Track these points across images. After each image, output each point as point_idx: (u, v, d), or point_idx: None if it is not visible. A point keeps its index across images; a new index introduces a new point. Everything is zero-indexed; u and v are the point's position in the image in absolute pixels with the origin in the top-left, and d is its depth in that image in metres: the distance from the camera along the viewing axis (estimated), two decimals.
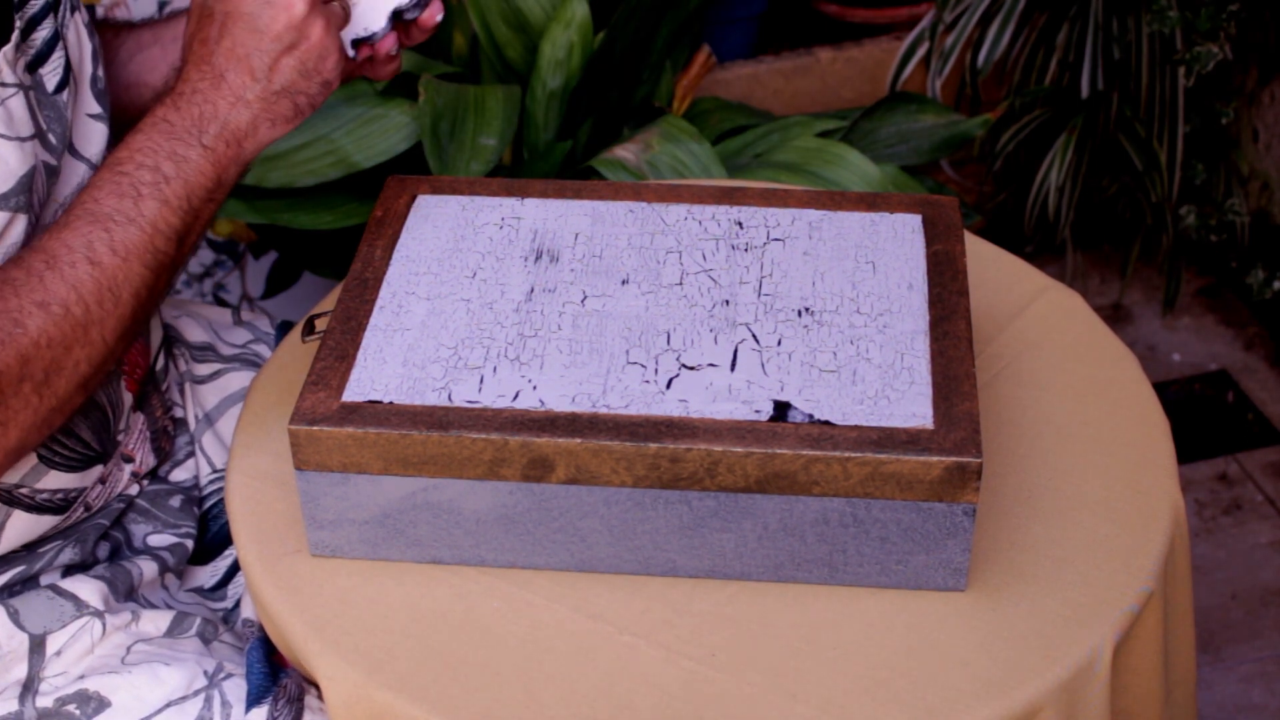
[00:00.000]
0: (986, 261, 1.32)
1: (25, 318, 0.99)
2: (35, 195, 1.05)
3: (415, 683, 1.02)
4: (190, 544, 1.24)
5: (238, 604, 1.24)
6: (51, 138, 1.08)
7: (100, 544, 1.20)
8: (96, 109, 1.14)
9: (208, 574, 1.26)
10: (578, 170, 1.83)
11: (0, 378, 0.98)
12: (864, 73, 2.31)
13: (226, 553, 1.26)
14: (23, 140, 1.04)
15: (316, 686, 1.12)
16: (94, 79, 1.14)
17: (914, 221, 1.20)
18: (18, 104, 1.04)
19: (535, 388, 1.06)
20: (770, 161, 1.83)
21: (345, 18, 1.14)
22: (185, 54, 1.11)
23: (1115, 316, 2.40)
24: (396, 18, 1.16)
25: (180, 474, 1.28)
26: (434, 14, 1.17)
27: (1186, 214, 2.32)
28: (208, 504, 1.28)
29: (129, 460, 1.21)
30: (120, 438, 1.18)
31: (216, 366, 1.34)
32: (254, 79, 1.08)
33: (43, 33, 1.07)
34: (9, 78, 1.03)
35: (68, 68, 1.10)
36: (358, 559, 1.10)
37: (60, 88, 1.09)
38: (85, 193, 1.04)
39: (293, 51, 1.10)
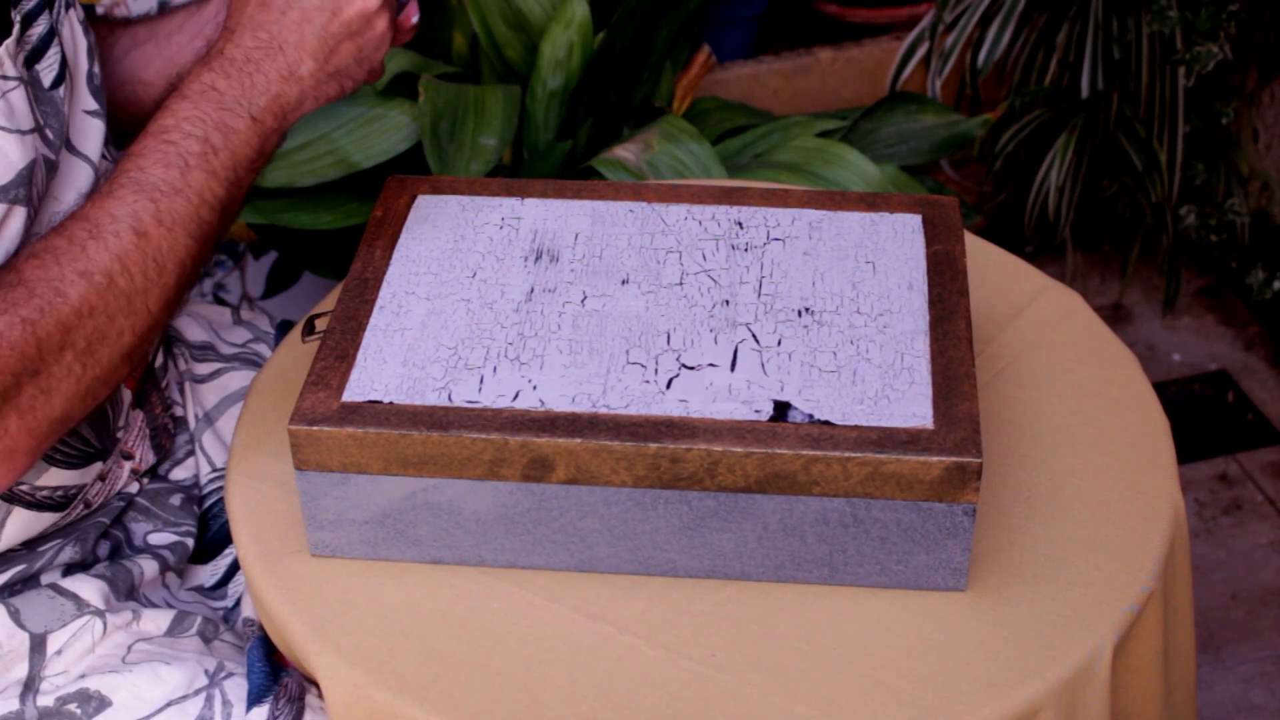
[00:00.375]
0: (986, 261, 1.32)
1: (67, 286, 0.98)
2: (35, 189, 1.05)
3: (415, 683, 1.02)
4: (190, 542, 1.24)
5: (238, 603, 1.24)
6: (49, 133, 1.08)
7: (100, 542, 1.20)
8: (93, 105, 1.14)
9: (208, 573, 1.26)
10: (578, 170, 1.83)
11: (41, 345, 0.98)
12: (864, 73, 2.31)
13: (227, 551, 1.26)
14: (24, 133, 1.04)
15: (317, 685, 1.12)
16: (90, 75, 1.14)
17: (914, 221, 1.20)
18: (19, 97, 1.04)
19: (535, 388, 1.06)
20: (770, 161, 1.83)
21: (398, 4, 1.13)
22: (236, 14, 1.09)
23: (1115, 316, 2.40)
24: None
25: (180, 473, 1.28)
26: (409, 15, 1.17)
27: (1186, 214, 2.32)
28: (208, 503, 1.28)
29: (128, 457, 1.21)
30: (120, 435, 1.18)
31: (216, 366, 1.34)
32: (313, 58, 1.08)
33: (38, 29, 1.07)
34: (10, 71, 1.03)
35: (63, 64, 1.10)
36: (358, 559, 1.10)
37: (56, 83, 1.09)
38: (130, 160, 1.03)
39: (355, 39, 1.09)
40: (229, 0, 1.11)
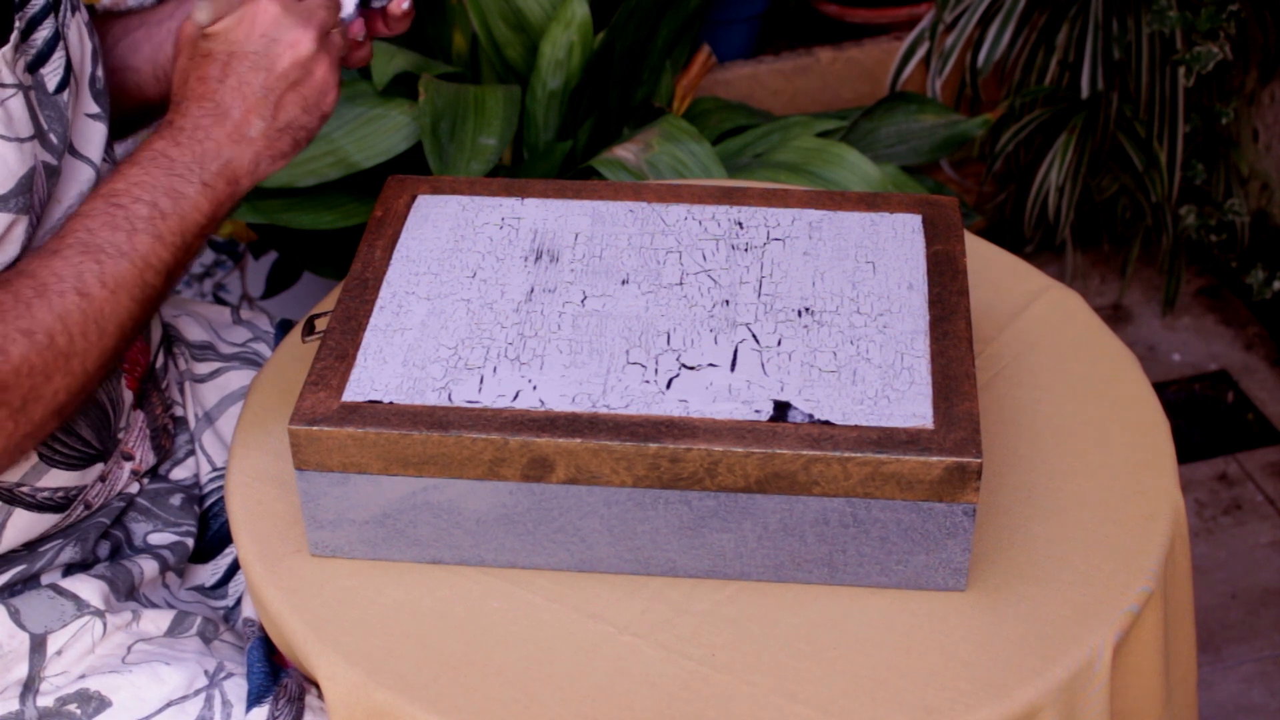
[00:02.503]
0: (986, 261, 1.32)
1: (9, 344, 0.99)
2: (36, 196, 1.06)
3: (415, 683, 1.02)
4: (190, 542, 1.24)
5: (239, 602, 1.24)
6: (52, 138, 1.08)
7: (101, 543, 1.20)
8: (95, 109, 1.14)
9: (208, 572, 1.26)
10: (578, 170, 1.83)
11: None
12: (864, 73, 2.31)
13: (227, 551, 1.26)
14: (22, 141, 1.04)
15: (317, 686, 1.12)
16: (93, 79, 1.14)
17: (914, 221, 1.20)
18: (17, 104, 1.04)
19: (535, 388, 1.06)
20: (770, 161, 1.83)
21: (345, 48, 1.14)
22: (180, 90, 1.10)
23: (1115, 316, 2.40)
24: (364, 5, 1.16)
25: (180, 472, 1.28)
26: (400, 2, 1.16)
27: (1186, 214, 2.32)
28: (208, 502, 1.28)
29: (129, 458, 1.21)
30: (120, 436, 1.18)
31: (216, 365, 1.34)
32: (259, 117, 1.08)
33: (43, 33, 1.07)
34: (8, 78, 1.03)
35: (68, 68, 1.10)
36: (358, 559, 1.10)
37: (61, 88, 1.09)
38: (78, 220, 1.04)
39: (297, 88, 1.10)
40: (173, 75, 1.11)
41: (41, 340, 1.00)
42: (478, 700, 1.01)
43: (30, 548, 1.15)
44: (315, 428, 1.04)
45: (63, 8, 1.10)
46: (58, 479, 1.13)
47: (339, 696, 1.03)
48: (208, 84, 1.09)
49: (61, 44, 1.09)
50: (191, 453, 1.29)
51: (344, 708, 1.03)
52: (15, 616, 1.13)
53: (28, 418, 1.01)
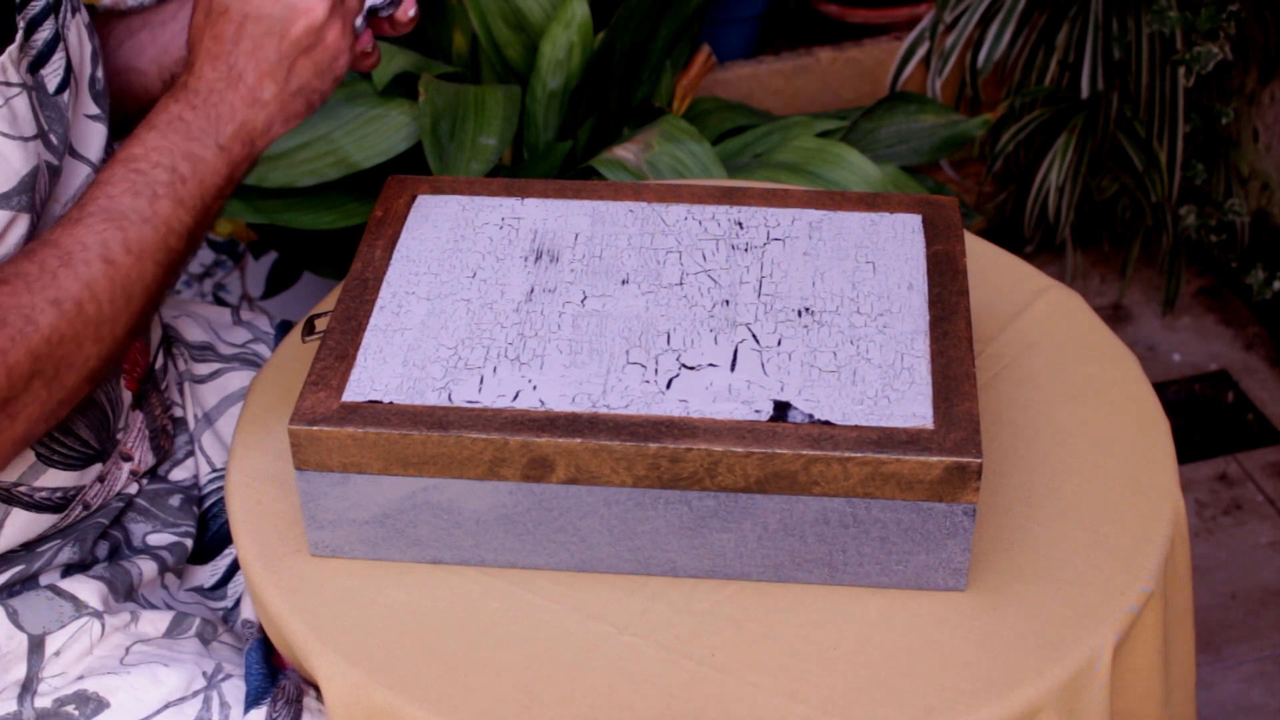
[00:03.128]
0: (986, 261, 1.32)
1: (38, 314, 0.99)
2: (38, 195, 1.06)
3: (415, 683, 1.02)
4: (189, 543, 1.24)
5: (238, 603, 1.24)
6: (53, 138, 1.08)
7: (99, 543, 1.20)
8: (95, 110, 1.14)
9: (207, 573, 1.26)
10: (578, 170, 1.83)
11: (11, 372, 0.98)
12: (864, 73, 2.31)
13: (226, 552, 1.26)
14: (26, 140, 1.04)
15: (316, 688, 1.12)
16: (92, 80, 1.15)
17: (914, 221, 1.20)
18: (21, 104, 1.04)
19: (535, 388, 1.06)
20: (770, 161, 1.83)
21: (359, 7, 1.14)
22: (195, 48, 1.10)
23: (1115, 316, 2.40)
24: (372, 15, 1.16)
25: (179, 473, 1.28)
26: (407, 8, 1.17)
27: (1186, 214, 2.32)
28: (207, 503, 1.28)
29: (127, 459, 1.21)
30: (119, 436, 1.18)
31: (216, 366, 1.34)
32: (273, 81, 1.09)
33: (44, 34, 1.08)
34: (13, 78, 1.03)
35: (68, 69, 1.10)
36: (358, 559, 1.10)
37: (61, 88, 1.09)
38: (99, 189, 1.04)
39: (310, 53, 1.10)
40: (186, 35, 1.11)
41: (70, 309, 1.00)
42: (478, 700, 1.01)
43: (29, 548, 1.15)
44: (315, 428, 1.04)
45: (63, 9, 1.10)
46: (56, 479, 1.13)
47: (339, 696, 1.03)
48: (222, 44, 1.08)
49: (61, 45, 1.09)
50: (191, 453, 1.29)
51: (344, 708, 1.03)
52: (14, 617, 1.13)
53: (61, 384, 1.02)
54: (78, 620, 1.14)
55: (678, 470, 1.02)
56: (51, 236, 1.02)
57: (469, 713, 1.00)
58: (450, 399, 1.05)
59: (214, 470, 1.29)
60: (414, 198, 1.23)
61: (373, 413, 1.04)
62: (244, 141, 1.08)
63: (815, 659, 1.03)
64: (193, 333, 1.36)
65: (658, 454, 1.02)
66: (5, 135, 1.02)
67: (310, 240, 1.91)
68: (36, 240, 1.02)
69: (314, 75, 1.11)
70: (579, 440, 1.02)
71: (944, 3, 2.23)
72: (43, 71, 1.08)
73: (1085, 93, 2.24)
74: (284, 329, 1.41)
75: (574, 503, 1.05)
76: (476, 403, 1.05)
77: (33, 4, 1.07)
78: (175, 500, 1.25)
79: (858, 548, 1.05)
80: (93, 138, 1.14)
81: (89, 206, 1.03)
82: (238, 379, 1.34)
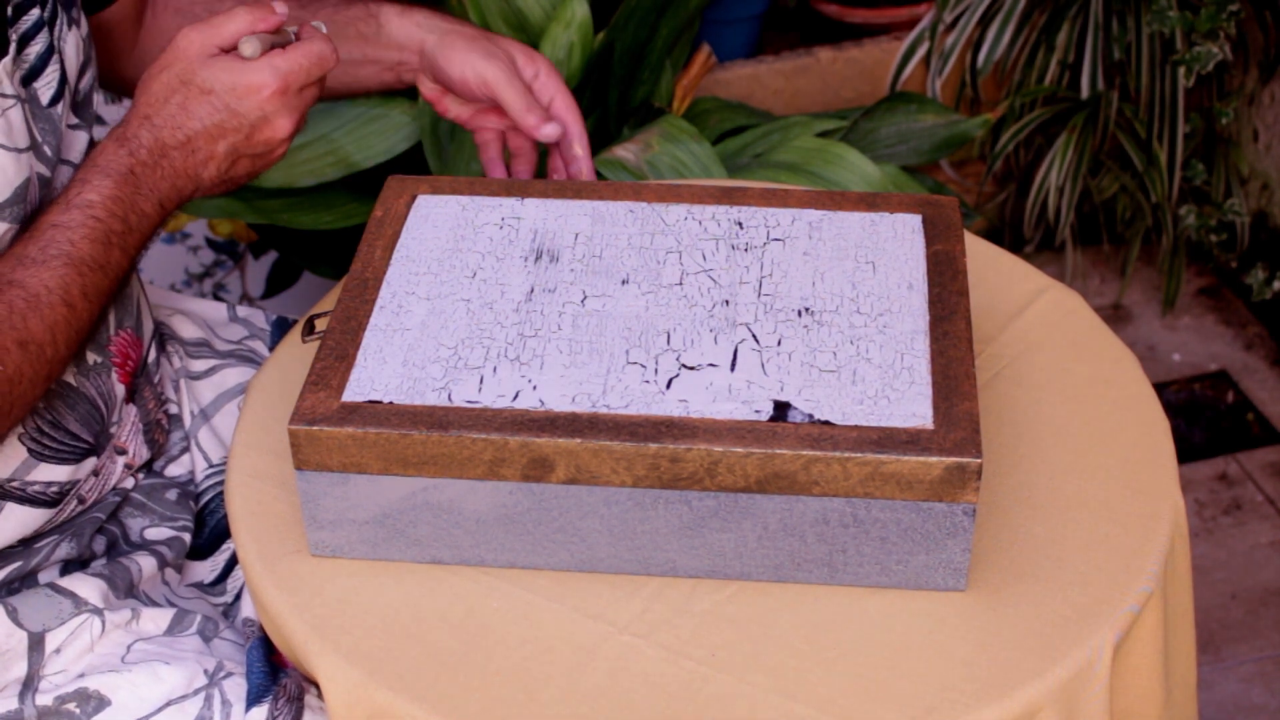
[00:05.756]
0: (986, 261, 1.32)
1: (6, 356, 1.02)
2: (28, 205, 1.08)
3: (415, 683, 1.02)
4: (187, 537, 1.24)
5: (238, 597, 1.24)
6: (47, 149, 1.10)
7: (96, 538, 1.21)
8: (75, 120, 1.17)
9: (207, 569, 1.26)
10: None
11: None
12: (864, 73, 2.31)
13: (224, 546, 1.27)
14: (20, 151, 1.06)
15: (317, 686, 1.12)
16: (75, 90, 1.16)
17: (914, 221, 1.20)
18: (15, 116, 1.06)
19: (535, 388, 1.06)
20: (770, 161, 1.83)
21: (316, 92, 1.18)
22: (156, 103, 1.13)
23: (1115, 316, 2.40)
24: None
25: (175, 469, 1.28)
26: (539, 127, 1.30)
27: (1186, 214, 2.32)
28: (204, 499, 1.28)
29: (122, 452, 1.21)
30: (113, 430, 1.18)
31: (213, 363, 1.35)
32: (216, 167, 1.15)
33: (36, 47, 1.09)
34: (7, 89, 1.05)
35: (63, 81, 1.11)
36: (358, 559, 1.10)
37: (55, 100, 1.11)
38: (61, 232, 1.07)
39: (256, 160, 1.16)
40: (144, 81, 1.14)
41: (33, 351, 1.04)
42: (478, 700, 1.01)
43: (26, 545, 1.15)
44: (315, 428, 1.04)
45: (58, 23, 1.11)
46: (48, 473, 1.13)
47: (339, 696, 1.03)
48: (190, 118, 1.12)
49: (56, 58, 1.10)
50: (186, 449, 1.29)
51: (344, 708, 1.03)
52: (13, 615, 1.13)
53: (10, 419, 1.05)
54: (77, 617, 1.14)
55: (678, 470, 1.02)
56: (16, 276, 1.05)
57: (469, 713, 1.00)
58: (450, 399, 1.05)
59: (210, 466, 1.29)
60: (414, 198, 1.23)
61: (373, 413, 1.04)
62: (174, 203, 1.14)
63: (815, 659, 1.03)
64: (187, 330, 1.36)
65: (658, 454, 1.02)
66: (2, 147, 1.04)
67: (310, 240, 1.91)
68: (2, 279, 1.04)
69: (246, 174, 1.18)
70: (579, 440, 1.02)
71: (944, 3, 2.23)
72: (36, 84, 1.09)
73: (1085, 93, 2.24)
74: (280, 325, 1.41)
75: (574, 503, 1.05)
76: (476, 403, 1.05)
77: (25, 18, 1.08)
78: (172, 494, 1.26)
79: (858, 548, 1.05)
80: (76, 144, 1.17)
81: (51, 249, 1.06)
82: (234, 375, 1.34)
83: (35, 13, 1.10)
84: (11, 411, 1.04)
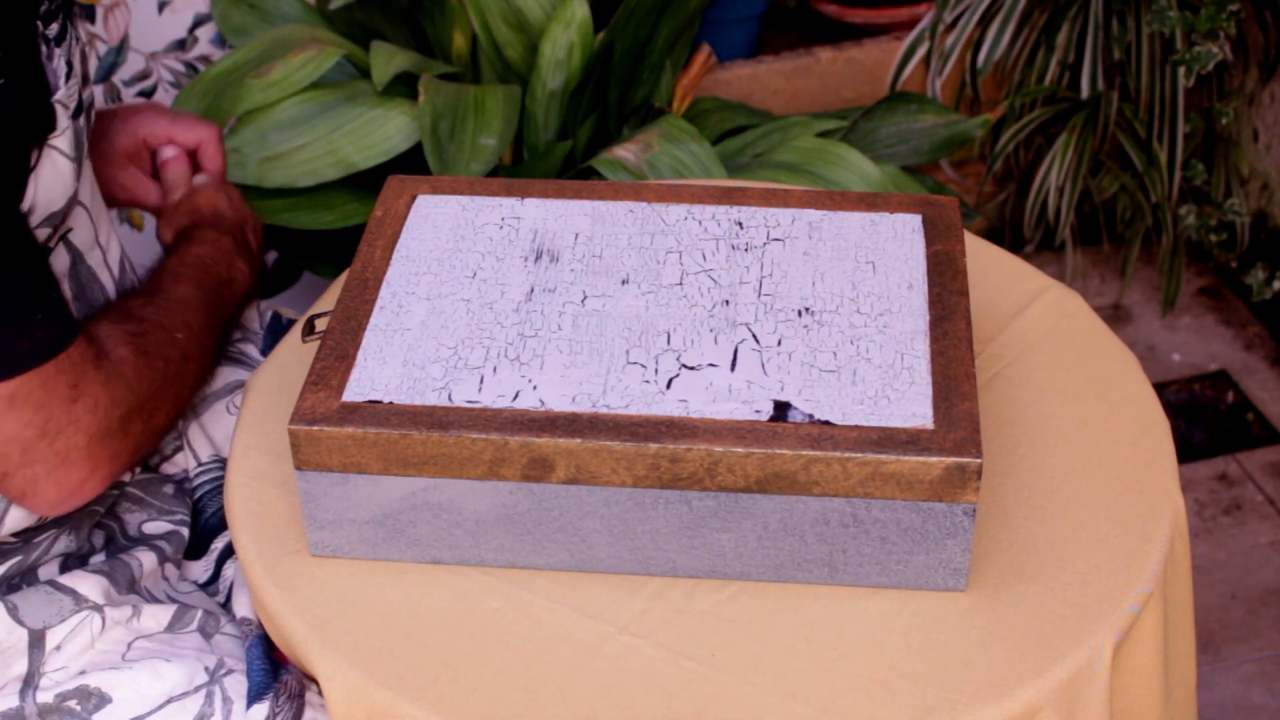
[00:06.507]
0: (986, 261, 1.32)
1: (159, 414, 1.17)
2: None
3: (415, 683, 1.02)
4: (185, 532, 1.25)
5: (230, 597, 1.25)
6: (85, 165, 1.16)
7: (95, 532, 1.21)
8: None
9: (201, 568, 1.27)
10: (578, 170, 1.83)
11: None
12: (864, 73, 2.31)
13: (212, 546, 1.27)
14: (75, 162, 1.11)
15: (317, 683, 1.12)
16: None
17: (914, 221, 1.20)
18: (75, 132, 1.11)
19: (535, 388, 1.06)
20: (770, 161, 1.83)
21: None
22: (210, 219, 1.33)
23: (1115, 316, 2.40)
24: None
25: (170, 468, 1.29)
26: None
27: (1186, 214, 2.32)
28: (197, 494, 1.28)
29: None
30: None
31: None
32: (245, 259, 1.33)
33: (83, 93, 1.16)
34: (71, 103, 1.11)
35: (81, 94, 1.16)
36: (358, 559, 1.10)
37: (78, 113, 1.16)
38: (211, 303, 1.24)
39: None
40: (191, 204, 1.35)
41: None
42: (478, 700, 1.01)
43: (25, 540, 1.15)
44: (315, 428, 1.04)
45: (89, 90, 1.18)
46: None
47: (339, 696, 1.03)
48: (226, 239, 1.32)
49: (85, 112, 1.17)
50: (180, 448, 1.30)
51: (344, 708, 1.03)
52: (13, 612, 1.13)
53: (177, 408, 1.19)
54: (78, 614, 1.14)
55: (678, 470, 1.02)
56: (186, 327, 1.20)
57: (469, 713, 1.00)
58: (450, 399, 1.05)
59: (200, 464, 1.29)
60: (414, 198, 1.23)
61: (373, 413, 1.04)
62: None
63: (815, 659, 1.03)
64: None
65: (658, 454, 1.02)
66: (65, 156, 1.09)
67: (310, 240, 1.91)
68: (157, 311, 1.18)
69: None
70: (579, 440, 1.02)
71: (944, 3, 2.23)
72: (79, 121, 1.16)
73: (1085, 93, 2.24)
74: (275, 321, 1.42)
75: (574, 503, 1.05)
76: (476, 403, 1.05)
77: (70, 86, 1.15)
78: (169, 489, 1.26)
79: (858, 548, 1.05)
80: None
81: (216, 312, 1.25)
82: (223, 375, 1.34)
83: (55, 26, 1.12)
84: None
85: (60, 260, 1.16)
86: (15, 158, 1.05)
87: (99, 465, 1.10)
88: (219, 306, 1.25)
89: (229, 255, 1.29)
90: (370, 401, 1.05)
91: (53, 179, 1.09)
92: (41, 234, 1.11)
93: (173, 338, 1.17)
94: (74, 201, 1.15)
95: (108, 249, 1.22)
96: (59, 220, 1.13)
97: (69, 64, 1.12)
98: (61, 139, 1.10)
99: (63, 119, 1.10)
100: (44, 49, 1.08)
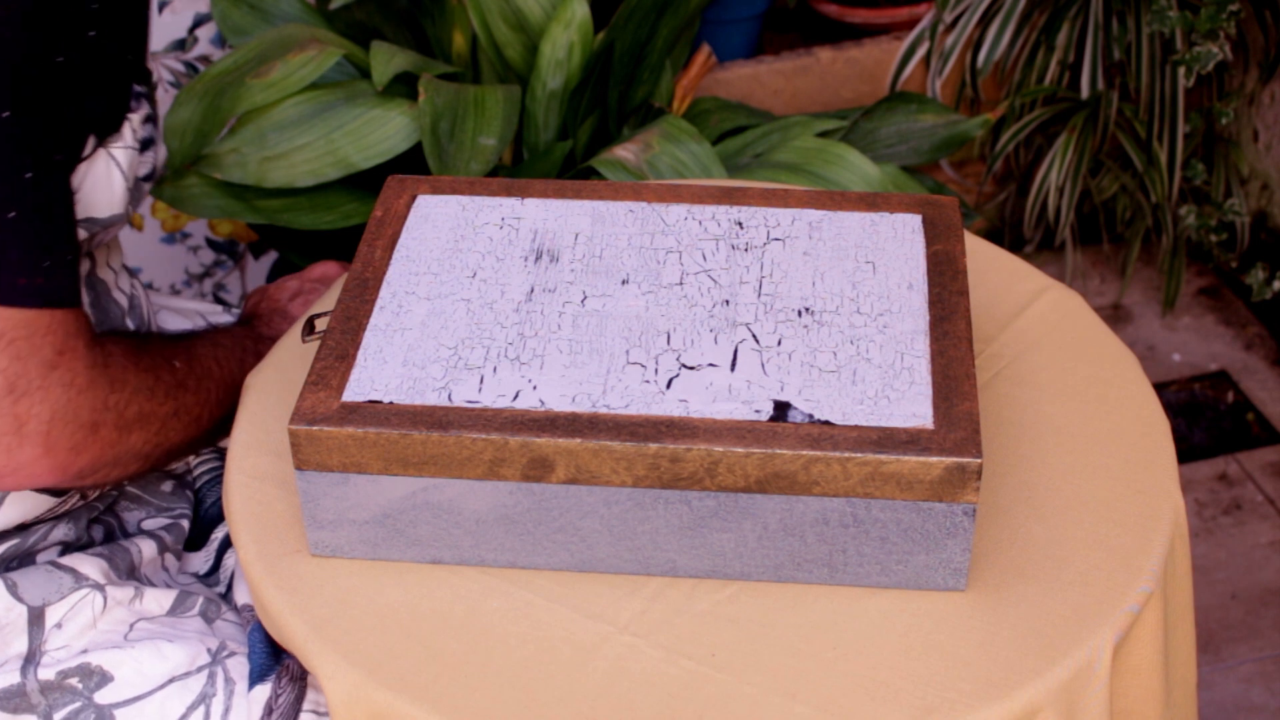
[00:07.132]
0: (986, 261, 1.32)
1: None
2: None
3: (415, 683, 1.02)
4: (185, 524, 1.25)
5: (230, 587, 1.25)
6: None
7: (94, 526, 1.22)
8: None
9: (201, 560, 1.27)
10: (578, 170, 1.83)
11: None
12: (864, 73, 2.31)
13: (212, 537, 1.27)
14: (127, 188, 1.14)
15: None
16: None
17: (914, 221, 1.20)
18: (132, 158, 1.14)
19: (535, 388, 1.06)
20: (770, 161, 1.83)
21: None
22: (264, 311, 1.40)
23: (1115, 316, 2.40)
24: None
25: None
26: None
27: (1186, 214, 2.32)
28: (197, 484, 1.29)
29: None
30: None
31: None
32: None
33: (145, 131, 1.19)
34: (131, 132, 1.14)
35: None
36: (358, 559, 1.10)
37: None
38: (232, 357, 1.26)
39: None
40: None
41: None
42: (478, 700, 1.01)
43: (23, 528, 1.16)
44: (315, 428, 1.04)
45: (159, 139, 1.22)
46: None
47: (339, 696, 1.03)
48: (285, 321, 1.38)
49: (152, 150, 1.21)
50: None
51: (344, 708, 1.03)
52: (13, 589, 1.13)
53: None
54: (78, 591, 1.14)
55: (678, 470, 1.03)
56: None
57: (469, 713, 1.00)
58: (450, 399, 1.05)
59: (199, 456, 1.30)
60: (414, 198, 1.23)
61: (373, 413, 1.04)
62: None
63: (815, 659, 1.03)
64: (177, 325, 1.38)
65: (658, 454, 1.02)
66: (122, 172, 1.12)
67: (310, 240, 1.91)
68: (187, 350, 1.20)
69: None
70: (579, 440, 1.02)
71: (944, 3, 2.23)
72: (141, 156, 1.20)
73: (1085, 93, 2.24)
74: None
75: (574, 503, 1.05)
76: (476, 403, 1.05)
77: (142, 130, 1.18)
78: (167, 485, 1.27)
79: (858, 548, 1.05)
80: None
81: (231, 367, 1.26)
82: None
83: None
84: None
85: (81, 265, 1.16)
86: (77, 114, 1.04)
87: (53, 449, 1.04)
88: (223, 392, 1.22)
89: (254, 356, 1.27)
90: (370, 401, 1.05)
91: (104, 184, 1.10)
92: (80, 233, 1.11)
93: (170, 365, 1.14)
94: (116, 224, 1.15)
95: (119, 273, 1.25)
96: (97, 229, 1.13)
97: (151, 100, 1.17)
98: (121, 153, 1.11)
99: (127, 134, 1.11)
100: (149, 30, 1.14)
